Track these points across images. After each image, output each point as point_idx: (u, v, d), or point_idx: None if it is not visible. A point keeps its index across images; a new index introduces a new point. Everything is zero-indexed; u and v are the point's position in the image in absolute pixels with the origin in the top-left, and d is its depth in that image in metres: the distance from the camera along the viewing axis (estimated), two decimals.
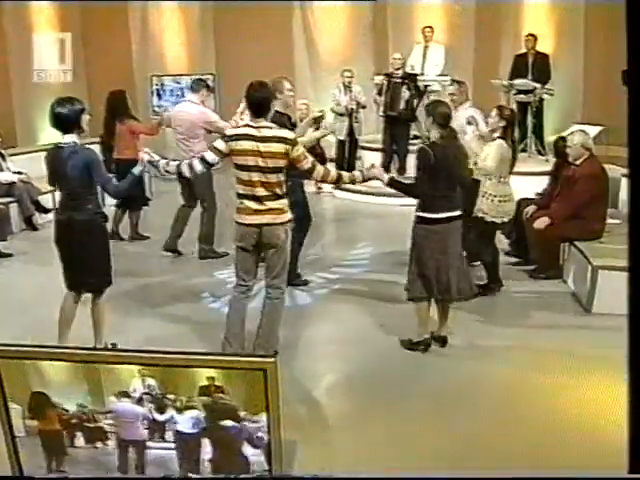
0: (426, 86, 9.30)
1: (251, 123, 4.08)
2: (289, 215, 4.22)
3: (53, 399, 2.98)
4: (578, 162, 5.78)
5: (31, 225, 7.99)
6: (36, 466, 3.07)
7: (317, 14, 11.12)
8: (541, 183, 7.52)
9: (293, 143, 4.06)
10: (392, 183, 4.58)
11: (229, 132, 4.23)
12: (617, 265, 5.18)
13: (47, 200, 8.29)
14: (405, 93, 8.83)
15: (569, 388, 4.02)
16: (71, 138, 4.14)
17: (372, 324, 5.08)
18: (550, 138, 9.39)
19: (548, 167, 8.53)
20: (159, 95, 10.41)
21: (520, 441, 3.44)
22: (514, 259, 6.37)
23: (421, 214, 4.44)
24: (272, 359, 2.62)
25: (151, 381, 2.92)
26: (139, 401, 2.96)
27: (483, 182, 5.44)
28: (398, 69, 9.17)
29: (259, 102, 4.07)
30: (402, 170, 8.96)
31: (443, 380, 4.21)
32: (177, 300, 5.63)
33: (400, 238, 6.71)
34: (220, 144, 4.13)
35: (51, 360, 2.91)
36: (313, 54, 11.23)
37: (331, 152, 9.61)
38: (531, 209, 6.12)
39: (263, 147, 3.99)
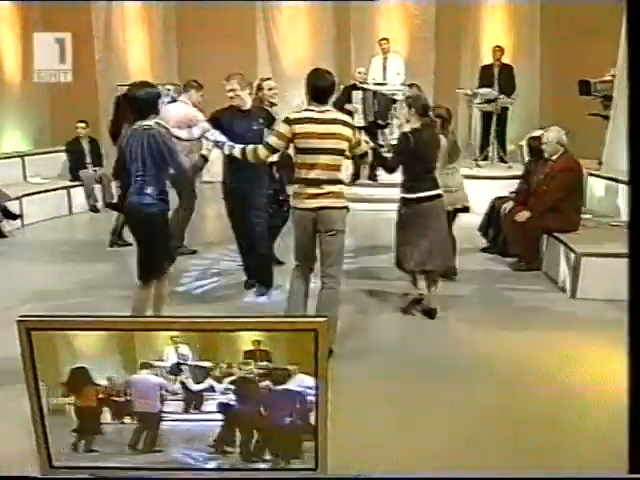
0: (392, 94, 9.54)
1: (312, 108, 4.11)
2: (346, 201, 4.24)
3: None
4: (554, 157, 6.04)
5: None
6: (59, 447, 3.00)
7: (280, 27, 11.26)
8: (507, 186, 7.84)
9: (354, 127, 4.21)
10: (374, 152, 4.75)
11: (292, 116, 4.17)
12: (599, 252, 5.44)
13: (15, 206, 8.11)
14: (394, 105, 9.17)
15: (568, 365, 4.16)
16: (149, 121, 4.15)
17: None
18: (510, 147, 9.79)
19: (512, 172, 8.93)
20: None
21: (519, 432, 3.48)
22: (491, 255, 6.62)
23: (403, 195, 4.95)
24: (323, 319, 2.63)
25: (185, 349, 2.87)
26: (172, 371, 2.91)
27: None
28: (362, 82, 9.51)
29: (324, 89, 4.13)
30: (374, 177, 9.17)
31: (445, 359, 4.32)
32: None
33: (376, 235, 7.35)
34: (283, 127, 4.12)
35: (85, 330, 2.84)
36: (276, 66, 11.34)
37: None
38: (509, 205, 6.36)
39: (326, 129, 4.04)
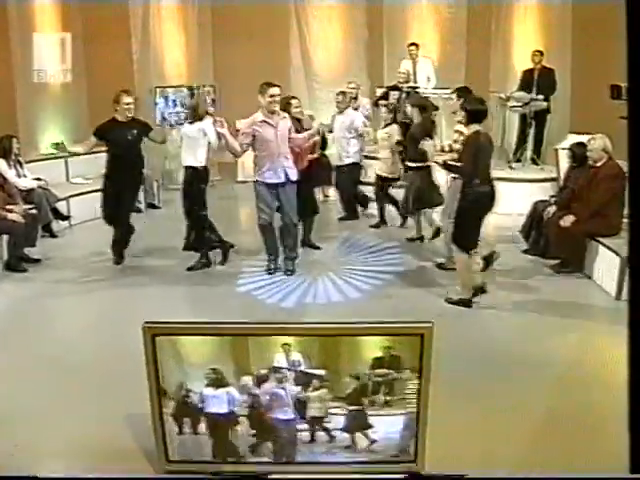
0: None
1: None
2: None
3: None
4: (598, 164, 6.23)
5: (49, 232, 7.98)
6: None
7: (313, 28, 11.43)
8: (540, 189, 8.07)
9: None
10: None
11: None
12: None
13: (63, 208, 8.35)
14: None
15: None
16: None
17: None
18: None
19: (544, 175, 9.13)
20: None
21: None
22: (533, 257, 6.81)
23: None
24: (429, 324, 2.86)
25: (297, 355, 3.07)
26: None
27: None
28: (402, 83, 9.61)
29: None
30: None
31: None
32: None
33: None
34: None
35: (207, 335, 3.06)
36: (309, 69, 11.54)
37: None
38: (552, 209, 6.55)
39: None
